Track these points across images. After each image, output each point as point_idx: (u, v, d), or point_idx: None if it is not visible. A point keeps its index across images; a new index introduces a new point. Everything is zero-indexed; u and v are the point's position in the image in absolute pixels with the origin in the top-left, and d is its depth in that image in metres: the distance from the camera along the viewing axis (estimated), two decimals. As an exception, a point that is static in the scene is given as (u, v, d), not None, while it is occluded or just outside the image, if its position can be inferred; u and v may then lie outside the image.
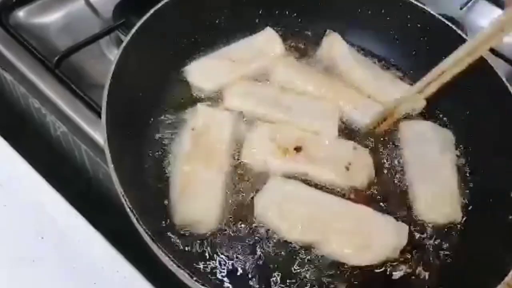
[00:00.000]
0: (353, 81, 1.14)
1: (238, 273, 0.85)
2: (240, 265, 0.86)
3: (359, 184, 0.97)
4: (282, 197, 0.90)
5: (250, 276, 0.85)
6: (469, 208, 0.98)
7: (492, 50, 1.32)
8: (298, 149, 0.97)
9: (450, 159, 1.03)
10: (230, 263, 0.86)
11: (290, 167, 0.96)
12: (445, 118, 1.12)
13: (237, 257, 0.86)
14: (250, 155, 0.97)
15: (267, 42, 1.16)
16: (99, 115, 0.97)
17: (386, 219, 0.92)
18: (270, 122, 1.03)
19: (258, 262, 0.86)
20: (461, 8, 1.46)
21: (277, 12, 1.21)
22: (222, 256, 0.86)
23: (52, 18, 1.33)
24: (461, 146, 1.07)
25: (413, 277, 0.89)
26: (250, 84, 1.09)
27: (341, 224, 0.89)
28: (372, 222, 0.91)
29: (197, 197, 0.90)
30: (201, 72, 1.08)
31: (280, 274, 0.85)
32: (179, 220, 0.88)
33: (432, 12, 1.11)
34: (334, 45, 1.17)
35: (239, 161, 0.98)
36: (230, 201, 0.93)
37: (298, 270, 0.86)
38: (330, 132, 1.04)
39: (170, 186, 0.92)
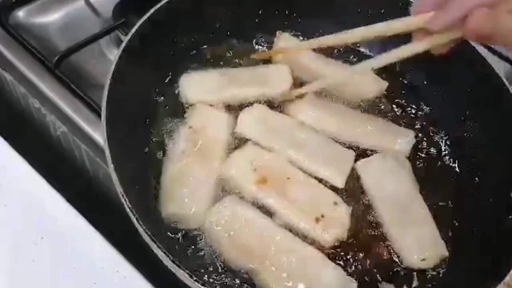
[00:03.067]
0: (314, 72, 1.12)
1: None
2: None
3: (322, 241, 0.89)
4: (232, 217, 0.88)
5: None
6: (469, 208, 0.98)
7: (492, 50, 1.32)
8: (275, 182, 0.93)
9: (415, 189, 0.98)
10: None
11: (260, 197, 0.92)
12: (445, 119, 1.12)
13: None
14: (227, 171, 0.95)
15: (275, 73, 1.11)
16: (99, 115, 0.97)
17: (334, 269, 0.85)
18: (277, 154, 0.98)
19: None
20: (461, 8, 1.46)
21: (277, 12, 1.21)
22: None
23: (52, 18, 1.33)
24: (461, 146, 1.07)
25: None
26: (267, 110, 1.05)
27: (280, 258, 0.84)
28: (317, 268, 0.85)
29: (187, 193, 0.90)
30: (192, 85, 1.06)
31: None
32: (167, 213, 0.88)
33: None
34: (288, 44, 1.16)
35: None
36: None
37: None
38: (336, 183, 0.97)
39: (161, 180, 0.93)
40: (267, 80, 1.10)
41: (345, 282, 0.85)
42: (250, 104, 1.07)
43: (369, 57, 1.20)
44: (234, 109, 1.07)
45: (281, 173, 0.95)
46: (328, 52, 1.17)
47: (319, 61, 1.15)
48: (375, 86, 1.14)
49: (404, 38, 0.87)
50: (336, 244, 0.91)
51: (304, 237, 0.90)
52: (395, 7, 1.12)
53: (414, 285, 0.89)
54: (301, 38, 1.21)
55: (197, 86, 1.06)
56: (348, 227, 0.92)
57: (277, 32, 1.18)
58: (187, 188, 0.91)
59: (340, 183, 0.98)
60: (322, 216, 0.90)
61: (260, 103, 1.07)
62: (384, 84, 1.15)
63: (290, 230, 0.90)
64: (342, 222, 0.91)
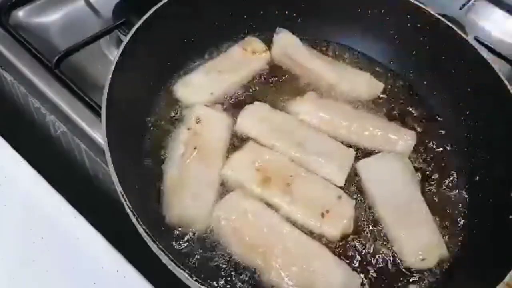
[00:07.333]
0: (312, 72, 1.13)
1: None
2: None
3: (329, 236, 0.90)
4: (238, 212, 0.88)
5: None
6: (469, 208, 0.98)
7: (492, 50, 1.32)
8: (278, 181, 0.93)
9: (416, 189, 0.98)
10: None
11: (265, 196, 0.93)
12: (445, 119, 1.12)
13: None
14: (229, 173, 0.95)
15: (252, 46, 1.15)
16: (99, 115, 0.97)
17: (339, 264, 0.86)
18: (278, 152, 0.98)
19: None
20: (461, 8, 1.47)
21: (277, 12, 1.21)
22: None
23: (52, 18, 1.33)
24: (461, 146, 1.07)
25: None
26: (268, 109, 1.05)
27: (287, 255, 0.84)
28: (322, 263, 0.85)
29: (189, 196, 0.90)
30: (190, 89, 1.06)
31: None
32: (171, 218, 0.88)
33: (432, 12, 1.11)
34: (286, 41, 1.17)
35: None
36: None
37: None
38: (336, 180, 0.98)
39: (163, 184, 0.93)
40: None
41: (350, 277, 0.86)
42: (248, 102, 1.07)
43: (365, 56, 1.21)
44: (232, 109, 1.07)
45: (283, 171, 0.95)
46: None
47: (316, 60, 1.15)
48: (370, 88, 1.14)
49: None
50: (339, 241, 0.91)
51: (311, 233, 0.90)
52: (395, 7, 1.12)
53: (414, 285, 0.89)
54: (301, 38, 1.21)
55: (193, 87, 1.07)
56: (353, 218, 0.92)
57: (277, 28, 1.18)
58: (189, 191, 0.91)
59: (340, 181, 0.98)
60: (327, 211, 0.91)
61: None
62: (380, 86, 1.15)
63: (297, 227, 0.90)
64: (347, 215, 0.92)
